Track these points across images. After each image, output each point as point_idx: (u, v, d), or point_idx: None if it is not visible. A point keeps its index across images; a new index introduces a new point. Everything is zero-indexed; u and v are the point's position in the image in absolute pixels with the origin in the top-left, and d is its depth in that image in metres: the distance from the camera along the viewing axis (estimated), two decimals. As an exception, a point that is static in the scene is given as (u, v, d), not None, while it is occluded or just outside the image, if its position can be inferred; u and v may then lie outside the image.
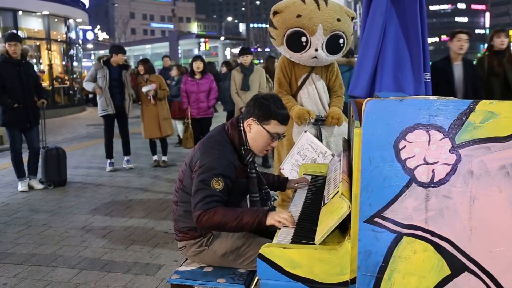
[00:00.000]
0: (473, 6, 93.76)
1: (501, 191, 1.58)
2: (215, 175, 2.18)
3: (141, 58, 8.98)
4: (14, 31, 13.58)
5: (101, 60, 6.77)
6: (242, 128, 2.36)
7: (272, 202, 2.52)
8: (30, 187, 5.96)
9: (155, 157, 7.35)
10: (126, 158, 7.21)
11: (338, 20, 3.71)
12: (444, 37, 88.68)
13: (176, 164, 7.40)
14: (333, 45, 3.78)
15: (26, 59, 5.87)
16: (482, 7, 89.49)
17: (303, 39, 3.72)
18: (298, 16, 3.68)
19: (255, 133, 2.33)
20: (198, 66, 6.90)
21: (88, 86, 6.72)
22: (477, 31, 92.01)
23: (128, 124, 7.12)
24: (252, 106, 2.34)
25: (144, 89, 6.84)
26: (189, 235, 2.40)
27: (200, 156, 2.26)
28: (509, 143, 1.56)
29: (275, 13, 3.84)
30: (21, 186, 5.90)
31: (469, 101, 1.58)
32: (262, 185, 2.51)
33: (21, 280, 3.38)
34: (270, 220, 2.10)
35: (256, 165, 2.50)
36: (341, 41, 3.79)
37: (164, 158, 7.34)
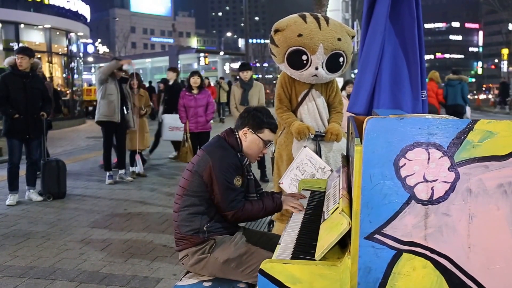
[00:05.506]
0: (467, 25, 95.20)
1: (499, 209, 1.60)
2: (234, 173, 2.46)
3: (141, 71, 9.13)
4: (16, 43, 13.71)
5: None
6: (238, 136, 2.58)
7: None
8: (29, 199, 5.94)
9: (132, 169, 7.54)
10: (123, 170, 7.24)
11: (339, 39, 3.77)
12: (438, 55, 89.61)
13: (175, 177, 7.42)
14: (333, 63, 3.84)
15: (36, 72, 5.91)
16: (476, 26, 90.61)
17: (304, 57, 3.77)
18: (300, 35, 3.73)
19: (250, 141, 2.58)
20: (195, 81, 7.11)
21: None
22: (470, 49, 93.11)
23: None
24: (246, 118, 2.61)
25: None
26: (192, 240, 2.45)
27: (211, 160, 2.44)
28: (506, 162, 1.59)
29: (276, 31, 3.89)
30: (9, 200, 5.78)
31: (467, 120, 1.62)
32: (257, 187, 2.73)
33: (20, 293, 3.37)
34: (285, 206, 2.56)
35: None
36: (341, 59, 3.86)
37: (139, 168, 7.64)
